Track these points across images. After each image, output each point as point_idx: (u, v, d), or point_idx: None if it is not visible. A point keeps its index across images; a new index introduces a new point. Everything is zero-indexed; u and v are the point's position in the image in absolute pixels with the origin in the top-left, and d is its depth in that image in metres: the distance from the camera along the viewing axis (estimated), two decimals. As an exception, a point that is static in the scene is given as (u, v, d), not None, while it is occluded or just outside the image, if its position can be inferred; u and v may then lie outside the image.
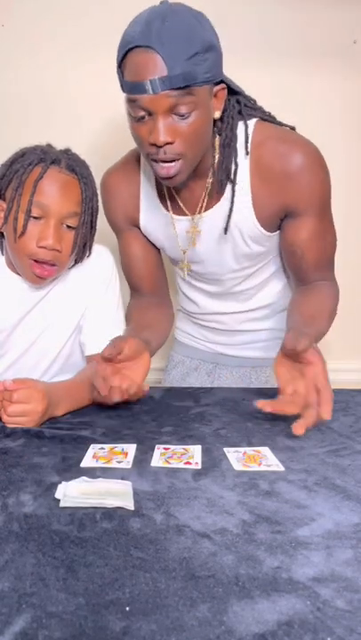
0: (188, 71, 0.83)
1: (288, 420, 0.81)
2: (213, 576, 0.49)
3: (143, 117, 0.88)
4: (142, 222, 1.13)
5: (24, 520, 0.59)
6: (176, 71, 0.82)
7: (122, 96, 0.89)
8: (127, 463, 0.73)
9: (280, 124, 1.04)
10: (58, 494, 0.64)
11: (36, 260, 0.96)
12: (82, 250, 1.03)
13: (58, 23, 1.60)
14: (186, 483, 0.68)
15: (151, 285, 1.21)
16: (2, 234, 1.02)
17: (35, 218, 0.95)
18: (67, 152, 1.01)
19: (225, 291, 1.17)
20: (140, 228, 1.15)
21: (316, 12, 1.66)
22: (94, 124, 1.63)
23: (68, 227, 0.98)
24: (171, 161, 0.90)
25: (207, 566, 0.51)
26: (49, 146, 1.02)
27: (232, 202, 0.99)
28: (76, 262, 1.05)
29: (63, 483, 0.66)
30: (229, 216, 1.00)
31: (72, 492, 0.64)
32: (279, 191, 0.98)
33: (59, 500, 0.63)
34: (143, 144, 0.90)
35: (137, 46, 0.83)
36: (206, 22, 0.87)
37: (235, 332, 1.24)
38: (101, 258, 1.10)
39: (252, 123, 0.99)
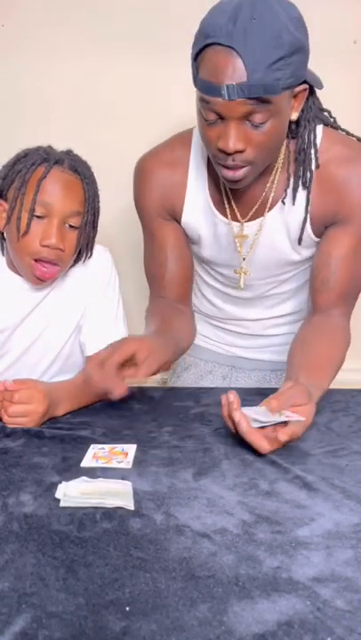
0: (268, 81, 0.77)
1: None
2: (213, 576, 0.49)
3: (214, 121, 0.82)
4: (185, 215, 1.04)
5: (24, 520, 0.59)
6: (256, 79, 0.76)
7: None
8: (127, 463, 0.73)
9: (346, 132, 1.01)
10: (58, 494, 0.64)
11: (37, 260, 0.96)
12: (85, 250, 1.03)
13: (58, 23, 1.60)
14: (186, 483, 0.68)
15: (181, 291, 1.09)
16: (2, 235, 1.03)
17: (38, 217, 0.95)
18: (69, 153, 1.02)
19: (255, 296, 1.12)
20: (178, 222, 1.05)
21: (315, 12, 1.65)
22: (95, 124, 1.62)
23: (71, 226, 0.98)
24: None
25: (207, 566, 0.51)
26: (50, 147, 1.02)
27: (306, 211, 0.96)
28: (76, 262, 1.06)
29: (63, 483, 0.66)
30: (303, 225, 0.97)
31: (72, 492, 0.64)
32: (337, 198, 0.95)
33: (59, 500, 0.63)
34: (210, 147, 0.85)
35: (218, 44, 0.76)
36: (297, 19, 0.80)
37: (257, 336, 1.19)
38: (101, 257, 1.10)
39: (319, 128, 0.96)
